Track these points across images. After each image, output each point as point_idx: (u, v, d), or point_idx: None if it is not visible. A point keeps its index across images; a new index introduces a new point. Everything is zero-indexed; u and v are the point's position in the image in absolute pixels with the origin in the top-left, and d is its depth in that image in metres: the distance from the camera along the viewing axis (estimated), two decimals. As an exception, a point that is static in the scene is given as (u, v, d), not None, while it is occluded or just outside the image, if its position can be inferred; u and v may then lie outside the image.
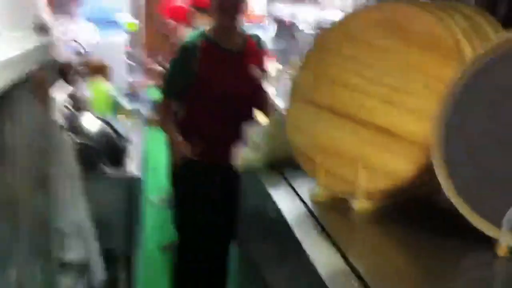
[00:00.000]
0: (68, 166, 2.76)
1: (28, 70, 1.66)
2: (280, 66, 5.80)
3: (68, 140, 2.80)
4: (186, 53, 3.50)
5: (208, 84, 3.48)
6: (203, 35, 3.54)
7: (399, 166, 2.00)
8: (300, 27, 5.07)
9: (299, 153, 2.29)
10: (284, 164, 2.55)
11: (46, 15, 4.51)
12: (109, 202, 3.51)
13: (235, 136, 2.98)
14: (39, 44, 1.86)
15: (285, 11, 6.06)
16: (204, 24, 4.48)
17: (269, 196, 2.32)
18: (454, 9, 2.20)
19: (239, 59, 3.61)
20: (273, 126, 2.66)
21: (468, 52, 1.98)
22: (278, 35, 6.42)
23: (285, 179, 2.45)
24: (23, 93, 1.68)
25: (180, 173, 3.77)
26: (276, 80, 5.63)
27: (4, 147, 1.68)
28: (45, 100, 2.21)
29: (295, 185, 2.36)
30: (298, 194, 2.28)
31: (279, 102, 5.09)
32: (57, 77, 4.42)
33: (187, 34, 4.68)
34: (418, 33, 2.01)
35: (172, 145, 3.72)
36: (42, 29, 2.10)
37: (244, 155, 2.67)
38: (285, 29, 6.25)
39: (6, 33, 1.61)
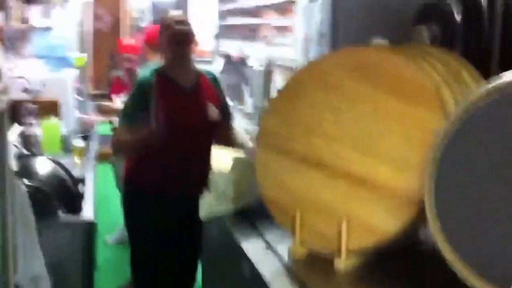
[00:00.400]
0: (22, 214, 2.52)
1: None
2: (230, 102, 5.58)
3: (21, 186, 2.55)
4: (142, 88, 3.27)
5: (163, 118, 3.23)
6: (157, 70, 3.32)
7: (383, 222, 1.78)
8: (249, 63, 4.86)
9: (272, 205, 2.05)
10: (251, 212, 2.32)
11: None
12: (64, 248, 3.23)
13: (191, 169, 2.87)
14: None
15: (233, 47, 5.85)
16: (156, 60, 4.26)
17: (241, 251, 2.07)
18: (429, 53, 2.02)
19: (193, 94, 3.39)
20: (238, 171, 2.42)
21: (449, 101, 1.79)
22: (226, 70, 6.21)
23: (256, 230, 2.21)
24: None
25: (132, 206, 3.48)
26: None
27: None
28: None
29: (268, 238, 2.12)
30: (272, 249, 2.03)
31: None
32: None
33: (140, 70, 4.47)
34: (393, 79, 1.82)
35: (139, 141, 3.36)
36: None
37: (208, 203, 2.41)
38: (233, 64, 6.04)
39: None
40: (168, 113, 3.24)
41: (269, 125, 2.08)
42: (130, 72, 4.85)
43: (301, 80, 2.05)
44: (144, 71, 3.44)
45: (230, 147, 3.34)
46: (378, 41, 2.78)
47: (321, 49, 3.30)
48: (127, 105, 3.37)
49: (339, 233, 1.84)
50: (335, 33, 3.22)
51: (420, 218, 1.70)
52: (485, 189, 1.55)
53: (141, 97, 3.27)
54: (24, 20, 5.22)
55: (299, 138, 1.97)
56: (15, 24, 4.92)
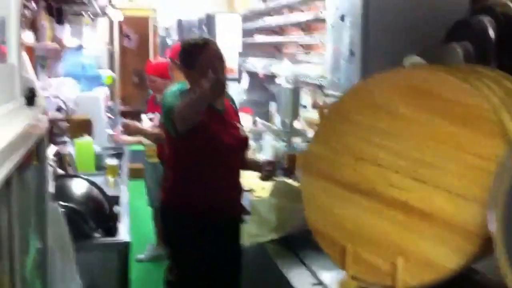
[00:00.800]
0: (60, 238, 2.40)
1: (26, 149, 1.25)
2: (256, 118, 5.43)
3: (58, 211, 2.42)
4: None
5: (204, 141, 3.03)
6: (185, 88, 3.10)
7: (442, 257, 1.57)
8: (277, 81, 4.68)
9: (320, 235, 1.85)
10: (295, 239, 2.12)
11: (32, 75, 4.08)
12: (100, 269, 3.08)
13: (229, 190, 2.72)
14: (32, 120, 1.44)
15: (258, 65, 5.68)
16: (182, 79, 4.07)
17: (286, 282, 1.88)
18: (483, 74, 1.81)
19: (225, 115, 3.20)
20: (279, 197, 2.22)
21: (508, 123, 1.59)
22: (251, 87, 6.04)
23: (300, 258, 2.02)
24: (12, 189, 1.25)
25: (171, 226, 3.27)
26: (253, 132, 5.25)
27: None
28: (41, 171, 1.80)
29: (316, 270, 1.92)
30: (320, 281, 1.84)
31: (260, 156, 4.71)
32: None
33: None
34: (449, 102, 1.61)
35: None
36: (31, 93, 1.70)
37: (250, 230, 2.22)
38: (259, 81, 5.87)
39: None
40: (208, 135, 3.05)
41: (315, 151, 1.88)
42: (156, 91, 4.67)
43: (348, 103, 1.85)
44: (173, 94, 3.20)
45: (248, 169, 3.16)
46: (414, 59, 2.60)
47: (351, 67, 3.12)
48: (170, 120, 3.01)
49: (394, 267, 1.64)
50: (365, 51, 3.04)
51: (483, 251, 1.50)
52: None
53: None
54: (56, 40, 5.09)
55: (348, 165, 1.77)
56: (47, 44, 4.78)
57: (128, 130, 4.35)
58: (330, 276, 1.83)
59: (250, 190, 3.60)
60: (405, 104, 1.69)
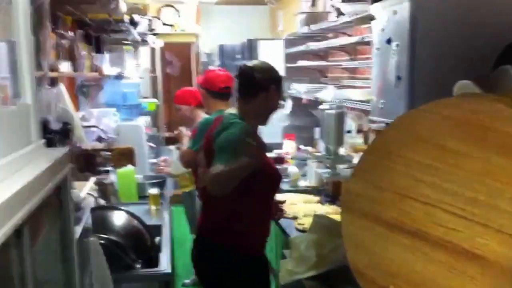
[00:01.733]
0: (99, 273, 2.42)
1: (31, 208, 1.22)
2: (300, 145, 5.40)
3: (97, 244, 2.43)
4: (247, 132, 2.94)
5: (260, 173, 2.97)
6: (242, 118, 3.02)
7: (493, 303, 1.50)
8: (321, 105, 4.64)
9: (359, 274, 1.78)
10: (334, 277, 2.07)
11: (70, 107, 4.13)
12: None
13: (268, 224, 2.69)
14: (49, 163, 1.41)
15: (301, 90, 5.66)
16: (218, 108, 4.03)
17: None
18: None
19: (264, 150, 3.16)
20: (318, 233, 2.18)
21: None
22: (295, 112, 6.02)
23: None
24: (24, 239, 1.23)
25: (208, 260, 3.20)
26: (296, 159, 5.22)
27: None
28: (64, 223, 1.79)
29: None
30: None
31: (303, 183, 4.67)
32: (78, 163, 4.05)
33: (202, 117, 4.26)
34: (504, 135, 1.52)
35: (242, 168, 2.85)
36: (64, 126, 1.70)
37: (287, 267, 2.18)
38: (302, 106, 5.85)
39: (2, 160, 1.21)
40: (268, 170, 3.01)
41: (355, 189, 1.82)
42: (184, 120, 4.71)
43: (392, 137, 1.78)
44: (234, 118, 3.12)
45: None
46: (465, 83, 2.52)
47: (397, 91, 3.07)
48: (235, 145, 2.85)
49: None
50: (412, 75, 2.99)
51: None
52: None
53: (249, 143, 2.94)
54: (95, 69, 5.17)
55: (392, 203, 1.70)
56: (87, 74, 4.86)
57: (185, 158, 4.30)
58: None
59: (293, 218, 3.57)
60: (455, 138, 1.61)
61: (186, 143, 4.46)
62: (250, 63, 3.05)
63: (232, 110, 3.08)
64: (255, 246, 2.79)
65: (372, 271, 1.73)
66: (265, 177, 2.94)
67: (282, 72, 6.10)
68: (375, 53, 3.32)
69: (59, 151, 1.54)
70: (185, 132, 4.61)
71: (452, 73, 2.63)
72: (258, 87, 2.92)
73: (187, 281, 5.56)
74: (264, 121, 3.07)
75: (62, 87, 3.79)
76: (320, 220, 2.25)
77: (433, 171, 1.62)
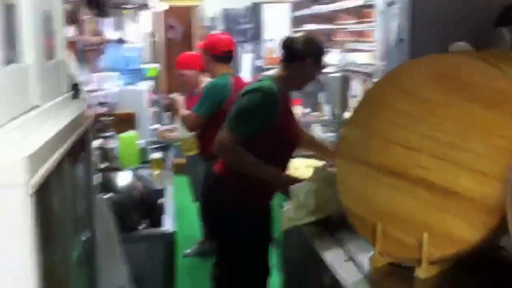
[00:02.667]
0: (106, 230, 2.68)
1: (70, 144, 1.54)
2: (306, 110, 5.68)
3: (104, 202, 2.71)
4: (270, 98, 3.32)
5: (280, 131, 3.35)
6: (276, 84, 3.38)
7: (464, 231, 1.84)
8: (325, 70, 4.93)
9: (352, 215, 2.13)
10: (331, 222, 2.41)
11: (76, 70, 4.44)
12: (146, 260, 3.38)
13: None
14: (77, 111, 1.73)
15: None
16: (222, 72, 4.37)
17: (321, 261, 2.16)
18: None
19: (291, 109, 3.58)
20: (318, 183, 2.51)
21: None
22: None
23: (336, 240, 2.30)
24: (66, 161, 1.55)
25: (223, 219, 3.56)
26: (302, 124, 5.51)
27: (53, 219, 1.57)
28: (86, 167, 2.10)
29: (348, 247, 2.21)
30: (353, 258, 2.12)
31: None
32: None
33: (206, 81, 4.55)
34: (479, 88, 1.86)
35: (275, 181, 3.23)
36: (74, 87, 2.00)
37: (288, 214, 2.51)
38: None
39: (44, 106, 1.51)
40: (285, 126, 3.38)
41: (349, 136, 2.17)
42: (189, 85, 4.97)
43: (382, 89, 2.13)
44: (266, 83, 3.45)
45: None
46: (460, 45, 2.83)
47: (400, 54, 3.36)
48: (248, 114, 3.32)
49: (420, 242, 1.91)
50: (413, 37, 3.28)
51: (502, 226, 1.75)
52: None
53: (267, 109, 3.34)
54: (97, 33, 5.45)
55: (379, 148, 2.04)
56: (89, 38, 5.14)
57: (169, 106, 4.62)
58: (361, 253, 2.10)
59: None
60: (435, 89, 1.95)
61: (181, 108, 4.68)
62: (295, 34, 3.45)
63: (271, 73, 3.50)
64: (263, 198, 3.17)
65: (362, 209, 2.08)
66: (284, 140, 3.33)
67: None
68: (378, 16, 3.62)
69: (83, 102, 1.88)
70: (178, 99, 4.82)
71: (452, 35, 2.94)
72: (294, 57, 3.29)
73: (187, 251, 5.82)
74: (298, 88, 3.50)
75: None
76: (319, 172, 2.58)
77: (416, 119, 1.97)
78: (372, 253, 2.04)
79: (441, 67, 1.96)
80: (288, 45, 3.37)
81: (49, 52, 1.64)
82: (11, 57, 1.26)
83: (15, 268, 1.11)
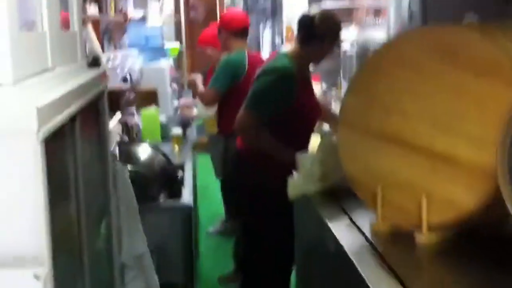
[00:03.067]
0: (125, 198, 2.77)
1: (82, 104, 1.65)
2: (324, 86, 5.73)
3: (124, 171, 2.79)
4: (286, 80, 3.41)
5: (301, 109, 3.43)
6: (293, 61, 3.46)
7: (462, 197, 1.89)
8: (343, 48, 4.99)
9: (355, 182, 2.19)
10: (337, 191, 2.48)
11: (97, 46, 4.55)
12: (165, 230, 3.49)
13: None
14: (91, 76, 1.84)
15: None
16: (238, 48, 4.45)
17: (326, 227, 2.23)
18: (509, 29, 2.10)
19: (311, 84, 3.71)
20: (324, 152, 2.57)
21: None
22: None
23: (341, 208, 2.37)
24: (78, 126, 1.65)
25: (248, 198, 3.63)
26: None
27: (68, 181, 1.67)
28: (101, 131, 2.20)
29: (352, 215, 2.27)
30: (356, 225, 2.19)
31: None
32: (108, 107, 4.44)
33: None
34: (474, 58, 1.90)
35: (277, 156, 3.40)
36: (95, 60, 2.12)
37: (295, 183, 2.59)
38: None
39: (58, 68, 1.63)
40: (305, 104, 3.47)
41: (349, 104, 2.22)
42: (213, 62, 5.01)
43: (380, 59, 2.17)
44: (282, 62, 3.48)
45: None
46: (469, 18, 2.87)
47: (412, 28, 3.39)
48: (265, 96, 3.41)
49: (420, 208, 1.97)
50: (425, 12, 3.31)
51: (500, 193, 1.80)
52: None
53: (284, 88, 3.40)
54: (120, 12, 5.55)
55: (379, 116, 2.09)
56: (111, 16, 5.25)
57: (205, 99, 4.70)
58: (364, 219, 2.17)
59: None
60: (432, 60, 1.99)
61: (200, 86, 4.75)
62: (312, 12, 3.54)
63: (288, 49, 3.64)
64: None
65: (364, 176, 2.14)
66: (305, 117, 3.42)
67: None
68: (392, -9, 3.66)
69: (99, 71, 2.00)
70: (197, 77, 4.88)
71: (463, 9, 2.96)
72: (312, 34, 3.38)
73: (210, 229, 5.90)
74: (315, 64, 3.70)
75: (89, 28, 4.20)
76: (326, 141, 2.65)
77: (414, 87, 2.02)
78: (373, 218, 2.11)
79: (438, 37, 2.01)
80: (305, 23, 3.45)
81: (65, 23, 1.80)
82: (30, 25, 1.38)
83: (26, 213, 1.20)
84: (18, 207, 1.20)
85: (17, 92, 1.24)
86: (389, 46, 2.19)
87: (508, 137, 1.72)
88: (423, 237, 1.98)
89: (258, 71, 3.50)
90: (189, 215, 3.69)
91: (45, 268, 1.20)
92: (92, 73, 1.92)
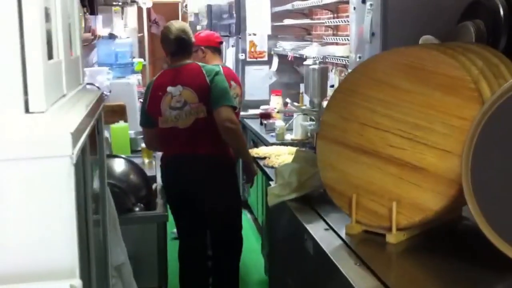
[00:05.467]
0: (109, 209, 2.86)
1: (93, 124, 1.77)
2: (285, 99, 5.92)
3: (107, 185, 2.90)
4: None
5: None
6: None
7: (428, 201, 2.10)
8: (305, 62, 5.19)
9: (331, 189, 2.39)
10: (312, 198, 2.67)
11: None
12: (141, 240, 3.60)
13: None
14: (94, 98, 1.96)
15: (287, 47, 6.20)
16: (217, 62, 4.65)
17: (305, 232, 2.41)
18: (469, 50, 2.31)
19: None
20: (300, 162, 2.76)
21: (487, 93, 2.09)
22: (281, 70, 6.57)
23: (318, 213, 2.55)
24: (88, 145, 1.77)
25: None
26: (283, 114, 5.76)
27: (86, 198, 1.78)
28: (99, 148, 2.31)
29: (328, 219, 2.46)
30: (332, 228, 2.38)
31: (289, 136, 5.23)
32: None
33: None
34: (437, 75, 2.13)
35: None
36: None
37: (274, 192, 2.76)
38: (287, 63, 6.41)
39: (69, 94, 1.74)
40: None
41: (328, 120, 2.42)
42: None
43: (356, 78, 2.38)
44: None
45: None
46: (427, 38, 3.08)
47: (373, 47, 3.59)
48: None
49: (390, 211, 2.17)
50: (385, 32, 3.51)
51: (461, 197, 2.00)
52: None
53: None
54: (89, 30, 5.65)
55: (354, 130, 2.30)
56: (81, 34, 5.34)
57: None
58: (339, 223, 2.37)
59: (264, 158, 4.40)
60: (402, 78, 2.22)
61: None
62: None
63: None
64: None
65: (340, 185, 2.33)
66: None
67: (268, 30, 6.64)
68: (352, 12, 3.86)
69: (97, 91, 2.12)
70: None
71: (421, 29, 3.18)
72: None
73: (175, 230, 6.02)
74: None
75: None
76: (301, 153, 2.84)
77: (386, 104, 2.23)
78: (348, 222, 2.30)
79: (407, 58, 2.22)
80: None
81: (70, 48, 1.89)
82: (50, 53, 1.50)
83: (60, 230, 1.29)
84: (53, 225, 1.29)
85: (49, 119, 1.35)
86: (363, 67, 2.39)
87: (471, 149, 1.93)
88: (393, 237, 2.19)
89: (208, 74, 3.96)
90: (164, 224, 3.83)
91: (78, 279, 1.30)
92: (94, 94, 2.04)
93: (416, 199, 2.13)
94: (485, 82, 2.14)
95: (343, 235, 2.30)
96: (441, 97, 2.11)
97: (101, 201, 2.34)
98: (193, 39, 4.15)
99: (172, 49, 3.99)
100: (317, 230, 2.39)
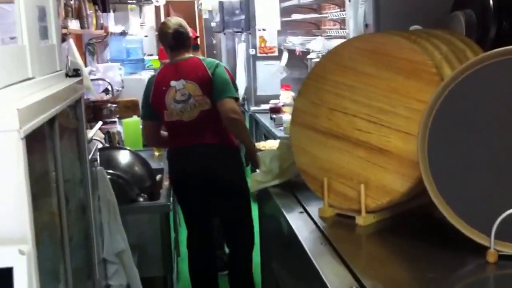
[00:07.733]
0: (105, 198, 2.94)
1: (61, 108, 1.83)
2: (294, 94, 5.97)
3: (104, 174, 2.98)
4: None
5: None
6: None
7: (394, 183, 2.14)
8: (309, 56, 5.25)
9: (305, 173, 2.44)
10: (293, 184, 2.73)
11: (78, 58, 4.75)
12: (145, 229, 3.69)
13: None
14: (68, 84, 2.03)
15: (296, 42, 6.25)
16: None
17: (282, 215, 2.48)
18: (434, 35, 2.35)
19: None
20: (282, 150, 2.82)
21: (448, 75, 2.13)
22: (290, 64, 6.62)
23: (296, 198, 2.61)
24: (57, 129, 1.84)
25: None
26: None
27: (49, 179, 1.85)
28: (79, 135, 2.39)
29: (305, 204, 2.52)
30: (307, 212, 2.43)
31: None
32: (87, 114, 4.63)
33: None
34: (400, 60, 2.17)
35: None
36: (75, 71, 2.29)
37: (257, 178, 2.83)
38: (296, 58, 6.45)
39: (39, 78, 1.80)
40: None
41: (299, 106, 2.48)
42: None
43: (324, 65, 2.43)
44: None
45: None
46: (415, 27, 3.11)
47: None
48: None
49: (359, 194, 2.22)
50: (378, 23, 3.55)
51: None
52: (470, 147, 1.91)
53: None
54: (101, 27, 5.77)
55: (324, 115, 2.35)
56: (93, 31, 5.46)
57: None
58: (313, 206, 2.42)
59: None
60: (367, 64, 2.26)
61: None
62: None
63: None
64: None
65: (313, 169, 2.39)
66: None
67: (278, 26, 6.70)
68: (348, 5, 3.90)
69: (76, 80, 2.20)
70: None
71: (413, 19, 3.21)
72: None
73: None
74: None
75: (71, 41, 4.41)
76: (285, 141, 2.89)
77: (352, 89, 2.28)
78: (321, 205, 2.36)
79: (371, 44, 2.27)
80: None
81: (43, 36, 1.97)
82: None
83: (11, 200, 1.37)
84: (4, 195, 1.36)
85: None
86: (331, 54, 2.44)
87: (426, 130, 1.97)
88: (363, 219, 2.23)
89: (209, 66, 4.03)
90: (167, 214, 3.91)
91: (28, 246, 1.37)
92: (70, 81, 2.12)
93: (382, 181, 2.18)
94: (449, 66, 2.18)
95: (315, 218, 2.35)
96: (403, 81, 2.15)
97: (84, 182, 2.41)
98: (191, 34, 4.21)
99: (171, 44, 4.06)
100: (292, 213, 2.45)
